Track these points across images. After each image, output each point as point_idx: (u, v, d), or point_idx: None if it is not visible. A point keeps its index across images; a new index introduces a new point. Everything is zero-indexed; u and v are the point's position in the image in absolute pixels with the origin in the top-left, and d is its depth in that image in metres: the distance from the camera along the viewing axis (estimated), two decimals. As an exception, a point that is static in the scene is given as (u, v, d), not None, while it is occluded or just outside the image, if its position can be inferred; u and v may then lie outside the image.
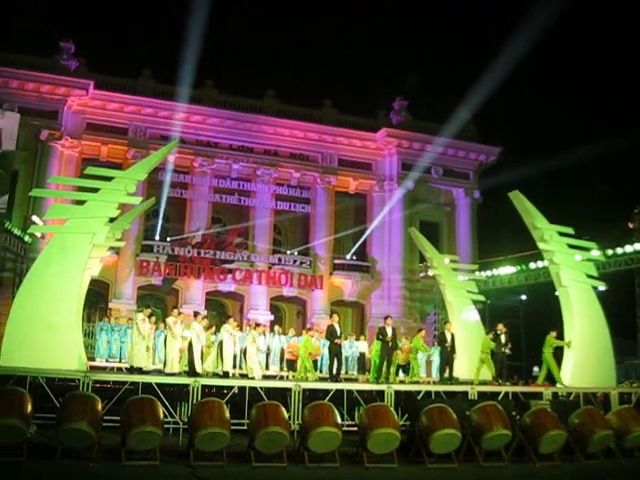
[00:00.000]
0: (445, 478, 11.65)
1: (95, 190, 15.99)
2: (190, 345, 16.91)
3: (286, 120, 35.18)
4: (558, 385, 17.90)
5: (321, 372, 21.71)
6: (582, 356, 17.99)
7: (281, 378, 20.67)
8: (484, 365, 18.45)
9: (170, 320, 17.28)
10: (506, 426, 12.68)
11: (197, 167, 33.98)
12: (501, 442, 12.70)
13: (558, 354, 18.78)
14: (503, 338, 18.53)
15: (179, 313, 18.19)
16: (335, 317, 18.10)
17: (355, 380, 20.76)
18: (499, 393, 16.25)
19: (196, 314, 18.06)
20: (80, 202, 16.38)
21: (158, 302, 34.71)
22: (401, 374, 21.44)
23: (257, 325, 19.69)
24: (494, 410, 12.95)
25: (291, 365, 21.55)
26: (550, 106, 42.17)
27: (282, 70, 37.19)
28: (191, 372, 16.37)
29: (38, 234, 25.60)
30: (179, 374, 16.87)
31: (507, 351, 18.69)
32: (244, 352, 18.66)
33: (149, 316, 17.48)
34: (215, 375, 17.60)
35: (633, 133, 32.42)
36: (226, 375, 17.31)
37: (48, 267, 15.24)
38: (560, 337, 18.74)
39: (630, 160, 37.36)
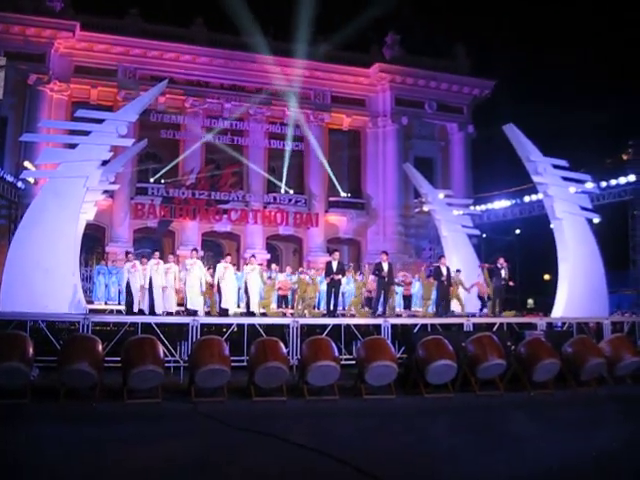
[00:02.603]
0: (442, 407, 11.85)
1: (86, 133, 15.91)
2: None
3: (277, 57, 34.66)
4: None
5: (319, 308, 21.93)
6: (576, 287, 18.14)
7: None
8: None
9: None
10: (501, 356, 12.85)
11: (189, 107, 33.65)
12: (496, 372, 12.89)
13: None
14: (503, 272, 18.69)
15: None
16: (336, 255, 18.21)
17: (352, 315, 20.92)
18: (494, 324, 16.46)
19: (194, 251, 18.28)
20: (72, 146, 16.31)
21: (154, 244, 34.73)
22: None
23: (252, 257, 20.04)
24: (489, 341, 13.10)
25: (283, 301, 22.01)
26: (545, 36, 41.58)
27: (273, 7, 36.40)
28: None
29: (31, 180, 25.47)
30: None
31: (510, 284, 18.99)
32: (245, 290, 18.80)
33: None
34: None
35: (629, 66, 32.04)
36: (225, 313, 17.45)
37: (43, 212, 15.24)
38: (554, 268, 19.04)
39: (624, 91, 37.02)
